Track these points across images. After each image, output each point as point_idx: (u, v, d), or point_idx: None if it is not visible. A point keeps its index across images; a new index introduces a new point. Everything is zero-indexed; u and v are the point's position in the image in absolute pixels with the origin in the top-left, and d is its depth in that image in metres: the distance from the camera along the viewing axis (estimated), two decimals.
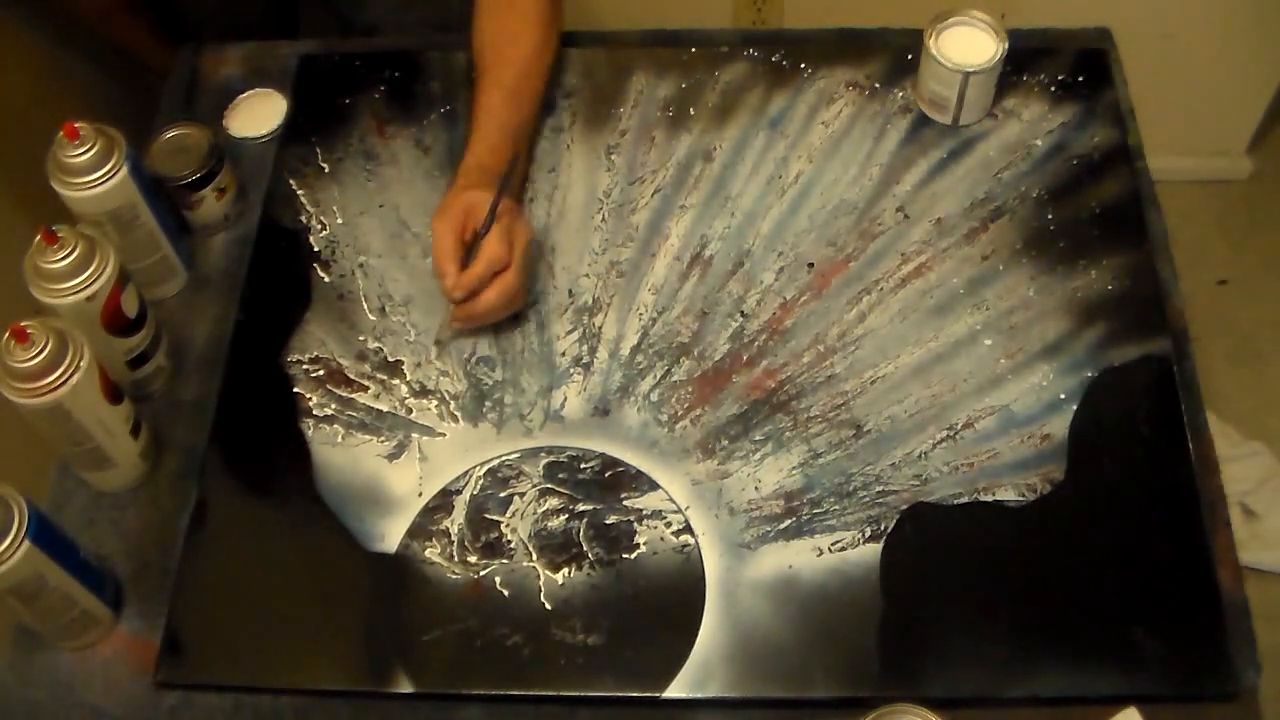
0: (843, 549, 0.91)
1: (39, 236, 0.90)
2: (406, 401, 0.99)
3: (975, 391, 0.97)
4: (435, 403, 0.99)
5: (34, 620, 0.87)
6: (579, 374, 1.00)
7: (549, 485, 0.95)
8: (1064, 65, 1.15)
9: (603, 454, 0.96)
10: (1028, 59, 1.15)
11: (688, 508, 0.93)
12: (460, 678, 0.87)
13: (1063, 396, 0.96)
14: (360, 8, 1.38)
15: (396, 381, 1.00)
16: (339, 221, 1.10)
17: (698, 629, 0.88)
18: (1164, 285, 1.02)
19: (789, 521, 0.92)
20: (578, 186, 1.11)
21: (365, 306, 1.05)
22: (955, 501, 0.92)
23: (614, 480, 0.95)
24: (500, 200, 0.97)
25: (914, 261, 1.04)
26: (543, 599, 0.90)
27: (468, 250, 0.97)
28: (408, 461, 0.96)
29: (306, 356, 1.02)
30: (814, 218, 1.08)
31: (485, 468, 0.96)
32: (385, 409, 0.99)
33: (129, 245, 1.00)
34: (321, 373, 1.01)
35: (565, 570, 0.91)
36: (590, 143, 1.13)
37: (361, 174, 1.13)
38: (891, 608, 0.88)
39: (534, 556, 0.92)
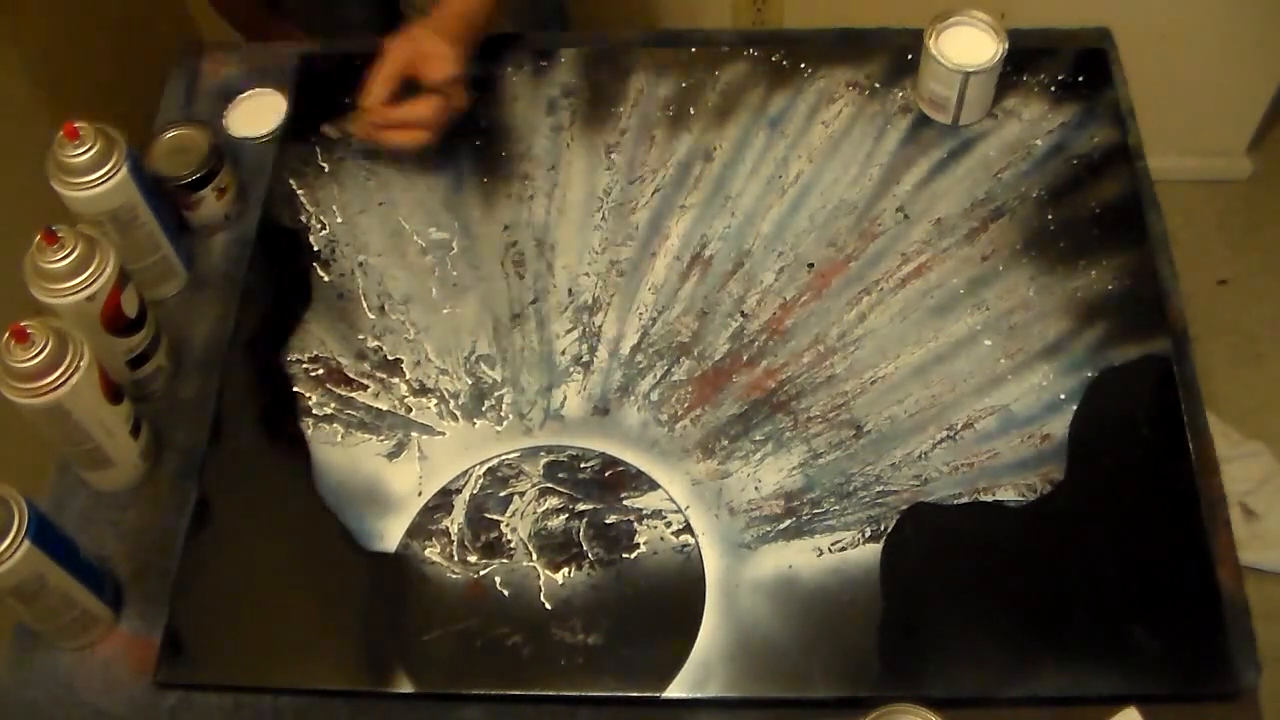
0: (843, 549, 0.91)
1: (39, 236, 0.90)
2: (406, 400, 0.99)
3: (975, 391, 0.97)
4: (435, 401, 0.99)
5: (34, 620, 0.87)
6: (579, 373, 1.00)
7: (549, 485, 0.95)
8: (1064, 65, 1.15)
9: (603, 453, 0.96)
10: (1028, 59, 1.15)
11: (688, 507, 0.93)
12: (460, 678, 0.87)
13: (1063, 396, 0.96)
14: None
15: (396, 380, 1.00)
16: (339, 221, 1.10)
17: (698, 629, 0.88)
18: (1164, 285, 1.02)
19: (789, 521, 0.92)
20: (577, 185, 1.11)
21: (365, 305, 1.05)
22: (955, 501, 0.92)
23: (614, 480, 0.95)
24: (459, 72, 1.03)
25: (914, 261, 1.04)
26: (543, 599, 0.90)
27: (403, 85, 1.03)
28: (407, 461, 0.96)
29: (306, 355, 1.02)
30: (814, 218, 1.08)
31: (485, 467, 0.96)
32: (385, 408, 0.99)
33: (129, 245, 1.00)
34: (321, 372, 1.01)
35: (565, 570, 0.91)
36: (590, 142, 1.13)
37: (361, 173, 1.13)
38: (891, 608, 0.88)
39: (534, 556, 0.92)
